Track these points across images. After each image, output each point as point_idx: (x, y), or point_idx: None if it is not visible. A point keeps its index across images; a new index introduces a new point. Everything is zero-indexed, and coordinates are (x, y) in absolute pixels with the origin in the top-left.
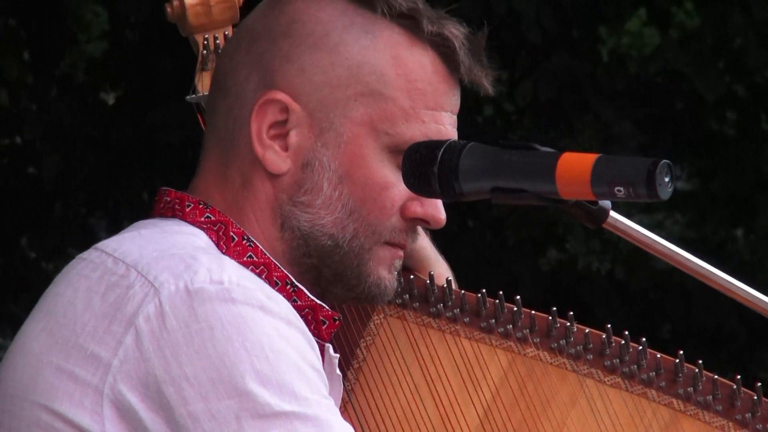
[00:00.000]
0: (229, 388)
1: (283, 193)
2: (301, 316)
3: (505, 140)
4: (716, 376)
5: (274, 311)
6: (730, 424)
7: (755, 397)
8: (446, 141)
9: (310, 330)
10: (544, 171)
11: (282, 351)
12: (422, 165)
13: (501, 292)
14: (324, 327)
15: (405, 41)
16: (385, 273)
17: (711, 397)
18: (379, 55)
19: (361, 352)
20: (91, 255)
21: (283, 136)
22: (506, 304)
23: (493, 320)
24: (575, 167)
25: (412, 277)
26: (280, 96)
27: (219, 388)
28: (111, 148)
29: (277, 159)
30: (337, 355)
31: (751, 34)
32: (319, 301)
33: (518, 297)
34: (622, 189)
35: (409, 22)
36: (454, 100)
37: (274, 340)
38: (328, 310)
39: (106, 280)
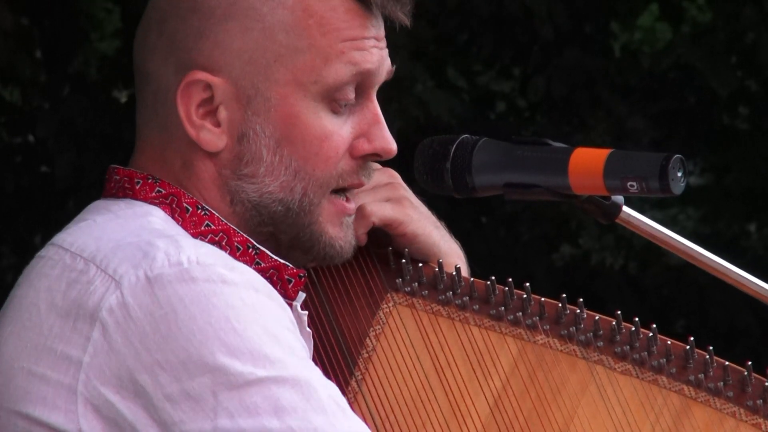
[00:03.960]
0: (200, 366)
1: (225, 169)
2: (266, 278)
3: (517, 136)
4: (727, 363)
5: (237, 282)
6: (741, 410)
7: (767, 383)
8: (459, 137)
9: (276, 290)
10: (557, 166)
11: (249, 319)
12: (435, 161)
13: (510, 279)
14: (290, 285)
15: None
16: (336, 231)
17: (722, 383)
18: (288, 12)
19: (371, 341)
20: (48, 252)
21: (212, 113)
22: (515, 291)
23: (503, 307)
24: (588, 162)
25: (420, 264)
26: (201, 75)
27: (190, 368)
28: (123, 146)
29: (212, 137)
30: (306, 312)
31: (763, 28)
32: (282, 261)
33: (527, 284)
34: (634, 184)
35: None
36: (374, 30)
37: (240, 310)
38: (292, 269)
39: (66, 277)
